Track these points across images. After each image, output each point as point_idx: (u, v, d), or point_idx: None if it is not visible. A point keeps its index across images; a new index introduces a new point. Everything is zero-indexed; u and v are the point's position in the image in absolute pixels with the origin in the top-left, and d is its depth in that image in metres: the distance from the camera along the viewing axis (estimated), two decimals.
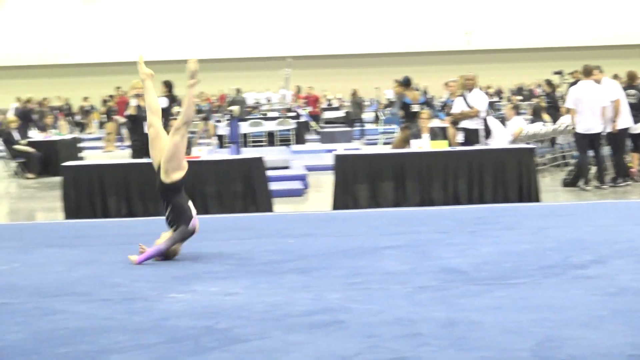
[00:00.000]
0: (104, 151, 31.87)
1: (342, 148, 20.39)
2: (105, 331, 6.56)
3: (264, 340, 6.20)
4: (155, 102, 10.20)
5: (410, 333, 6.32)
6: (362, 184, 14.65)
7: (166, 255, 9.40)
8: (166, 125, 15.83)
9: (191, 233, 9.50)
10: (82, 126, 43.89)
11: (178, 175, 9.53)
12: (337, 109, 44.14)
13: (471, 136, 16.15)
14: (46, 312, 7.22)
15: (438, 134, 16.75)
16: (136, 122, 15.79)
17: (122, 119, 32.68)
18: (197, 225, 9.55)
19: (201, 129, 29.52)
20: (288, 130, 31.15)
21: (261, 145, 29.16)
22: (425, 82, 39.95)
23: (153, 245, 9.38)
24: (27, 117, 25.29)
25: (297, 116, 33.58)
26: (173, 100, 18.60)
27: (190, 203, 9.67)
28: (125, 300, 7.61)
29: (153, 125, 10.04)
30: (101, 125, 38.86)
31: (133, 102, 15.77)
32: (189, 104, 9.95)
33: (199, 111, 31.46)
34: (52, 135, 25.96)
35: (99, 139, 37.24)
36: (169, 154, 9.54)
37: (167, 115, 16.43)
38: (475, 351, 5.84)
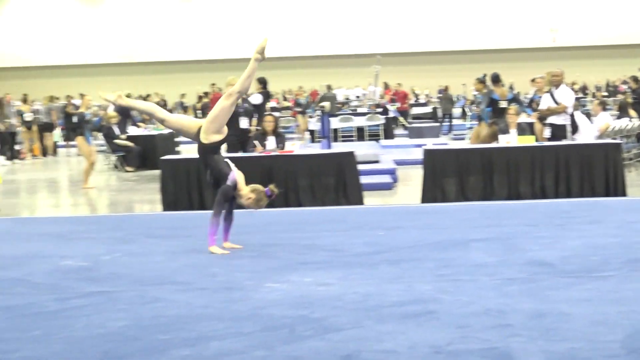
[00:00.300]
0: None
1: (430, 143, 20.26)
2: (204, 319, 6.62)
3: (358, 330, 6.19)
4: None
5: (500, 324, 6.28)
6: (451, 177, 14.57)
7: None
8: (260, 121, 15.93)
9: (233, 188, 9.60)
10: None
11: (217, 137, 9.70)
12: (424, 105, 43.96)
13: (558, 131, 15.98)
14: (147, 300, 7.30)
15: (525, 129, 16.57)
16: (231, 117, 15.80)
17: None
18: (237, 179, 9.66)
19: (303, 126, 29.52)
20: (377, 125, 31.09)
21: (351, 140, 29.14)
22: (511, 79, 39.62)
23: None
24: (125, 112, 25.52)
25: (386, 112, 33.51)
26: (267, 96, 18.67)
27: (228, 161, 9.86)
28: (223, 289, 7.66)
29: (166, 120, 10.15)
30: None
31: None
32: (249, 74, 10.14)
33: (297, 104, 31.50)
34: (150, 130, 26.25)
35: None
36: (214, 115, 9.76)
37: (261, 111, 16.51)
38: (564, 342, 5.78)
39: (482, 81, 18.89)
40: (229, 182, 9.58)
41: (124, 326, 6.50)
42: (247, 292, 7.49)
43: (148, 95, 37.50)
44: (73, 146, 30.60)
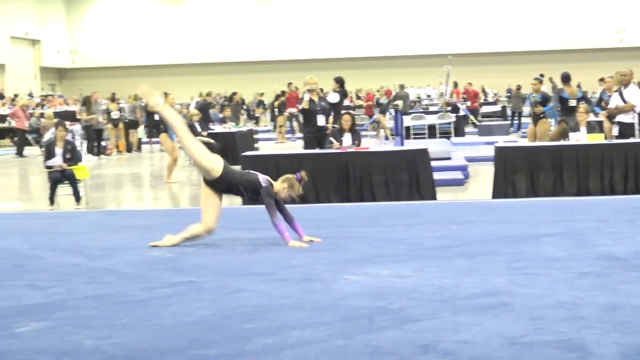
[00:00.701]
0: (277, 142, 32.29)
1: (500, 141, 20.15)
2: (285, 309, 6.62)
3: (434, 321, 6.15)
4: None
5: (573, 316, 6.20)
6: (521, 174, 14.45)
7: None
8: (336, 120, 15.93)
9: (270, 185, 9.58)
10: (256, 119, 44.52)
11: (215, 173, 9.65)
12: (494, 103, 43.73)
13: (626, 130, 15.78)
14: (231, 291, 7.33)
15: (595, 127, 16.37)
16: (309, 115, 15.87)
17: (294, 111, 33.21)
18: (267, 177, 9.66)
19: (384, 125, 29.45)
20: (448, 123, 30.96)
21: (422, 138, 29.06)
22: (579, 78, 39.25)
23: None
24: (206, 110, 25.74)
25: (457, 110, 33.38)
26: (344, 95, 18.68)
27: (248, 172, 10.12)
28: (303, 280, 7.66)
29: (184, 141, 10.28)
30: (272, 118, 39.33)
31: (306, 97, 15.86)
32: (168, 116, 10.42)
33: (378, 104, 31.44)
34: (230, 128, 26.41)
35: (268, 131, 37.82)
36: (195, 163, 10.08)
37: (337, 109, 16.50)
38: (638, 335, 5.69)
39: (540, 81, 18.79)
40: (263, 184, 9.56)
41: (209, 315, 6.53)
42: (326, 284, 7.49)
43: (234, 93, 37.67)
44: (155, 143, 30.90)
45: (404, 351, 5.43)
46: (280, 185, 9.62)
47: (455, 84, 39.70)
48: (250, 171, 10.06)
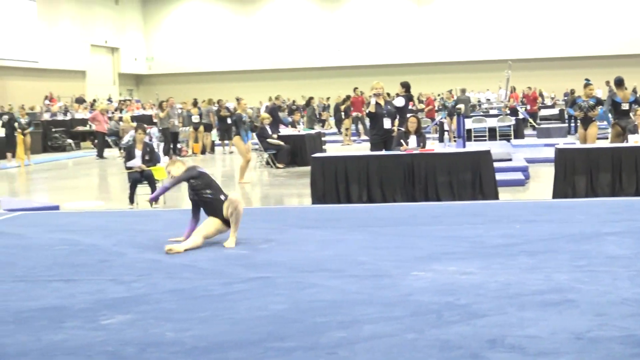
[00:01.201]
0: (343, 144, 32.29)
1: (560, 143, 19.94)
2: (356, 304, 6.60)
3: (501, 316, 6.10)
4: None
5: (637, 313, 6.11)
6: (581, 175, 14.29)
7: None
8: (402, 123, 15.88)
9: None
10: (322, 122, 44.61)
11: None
12: (551, 107, 43.36)
13: None
14: (304, 286, 7.32)
15: None
16: (375, 119, 15.85)
17: (359, 114, 33.25)
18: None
19: (450, 124, 29.28)
20: (508, 126, 30.74)
21: (483, 140, 28.85)
22: (635, 83, 38.86)
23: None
24: (276, 113, 25.81)
25: (515, 113, 33.15)
26: (409, 99, 18.64)
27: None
28: (373, 276, 7.63)
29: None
30: (338, 121, 39.34)
31: (373, 101, 15.84)
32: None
33: (444, 106, 31.32)
34: (299, 131, 26.48)
35: (334, 133, 37.86)
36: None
37: (403, 112, 16.45)
38: None
39: (615, 84, 18.60)
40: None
41: (284, 309, 6.53)
42: (395, 280, 7.45)
43: (311, 98, 37.97)
44: (227, 145, 31.08)
45: (473, 345, 5.38)
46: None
47: (513, 89, 39.45)
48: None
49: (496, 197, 14.26)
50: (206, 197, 9.97)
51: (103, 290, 7.46)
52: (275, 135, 23.85)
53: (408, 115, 16.32)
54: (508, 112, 32.71)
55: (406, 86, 17.43)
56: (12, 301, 7.16)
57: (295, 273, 7.92)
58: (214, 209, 9.88)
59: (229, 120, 30.00)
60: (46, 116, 39.15)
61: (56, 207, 15.30)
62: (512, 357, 5.13)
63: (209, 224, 9.86)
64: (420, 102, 41.76)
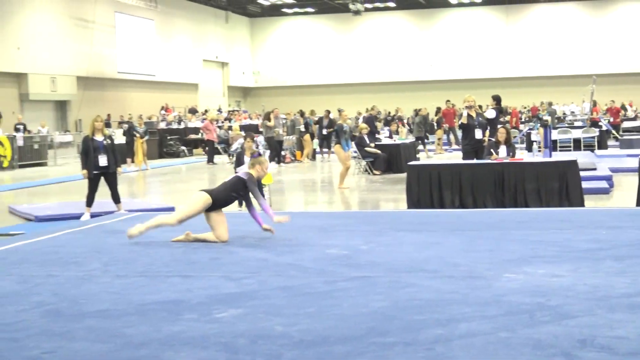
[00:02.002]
0: (435, 153, 32.15)
1: None
2: (452, 303, 6.54)
3: (590, 317, 5.97)
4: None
5: None
6: None
7: None
8: (492, 133, 15.73)
9: (250, 174, 10.49)
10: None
11: (208, 202, 10.22)
12: (634, 119, 42.56)
13: None
14: (402, 285, 7.28)
15: None
16: (467, 129, 15.76)
17: (447, 126, 33.09)
18: (245, 170, 10.68)
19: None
20: (592, 137, 30.24)
21: (568, 150, 28.41)
22: None
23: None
24: (372, 123, 25.82)
25: (599, 125, 32.62)
26: (500, 111, 18.46)
27: (229, 179, 10.64)
28: (467, 277, 7.55)
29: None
30: (431, 132, 39.14)
31: (465, 113, 15.76)
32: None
33: (538, 118, 30.90)
34: (395, 140, 26.44)
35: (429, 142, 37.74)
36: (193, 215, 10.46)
37: (494, 124, 16.31)
38: None
39: None
40: (244, 177, 10.47)
41: (384, 307, 6.50)
42: (489, 281, 7.36)
43: (419, 110, 37.95)
44: (325, 152, 31.20)
45: (564, 345, 5.29)
46: (254, 170, 10.47)
47: (594, 103, 38.87)
48: (227, 179, 10.69)
49: (582, 204, 14.02)
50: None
51: (216, 286, 7.53)
52: (372, 144, 23.84)
53: (498, 126, 16.18)
54: (592, 123, 32.19)
55: (497, 99, 17.27)
56: (135, 295, 7.27)
57: (393, 273, 7.89)
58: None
59: (324, 131, 30.19)
60: (162, 125, 39.85)
61: (172, 209, 15.47)
62: (602, 357, 5.02)
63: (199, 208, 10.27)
64: (507, 114, 41.37)
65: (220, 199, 10.28)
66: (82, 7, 41.65)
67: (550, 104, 30.41)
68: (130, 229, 10.37)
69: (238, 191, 10.45)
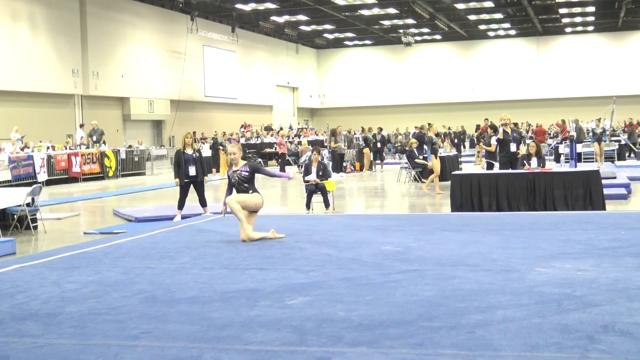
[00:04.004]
0: (475, 164, 31.85)
1: None
2: (490, 293, 6.46)
3: (612, 306, 5.86)
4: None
5: None
6: None
7: None
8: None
9: (248, 162, 10.62)
10: (458, 146, 44.17)
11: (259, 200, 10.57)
12: None
13: None
14: (447, 277, 7.22)
15: None
16: (503, 143, 15.62)
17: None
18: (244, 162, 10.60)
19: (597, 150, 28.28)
20: (612, 150, 29.74)
21: (591, 161, 27.97)
22: None
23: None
24: (421, 139, 25.65)
25: (619, 140, 32.10)
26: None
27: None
28: (503, 271, 7.47)
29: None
30: (471, 145, 38.83)
31: (501, 130, 15.63)
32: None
33: (593, 133, 30.40)
34: (440, 153, 26.26)
35: (466, 155, 37.45)
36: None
37: (525, 138, 16.11)
38: None
39: None
40: (247, 167, 10.52)
41: (431, 295, 6.45)
42: (522, 274, 7.27)
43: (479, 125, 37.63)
44: (378, 163, 31.11)
45: (589, 329, 5.19)
46: (239, 153, 10.49)
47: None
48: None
49: (604, 208, 13.79)
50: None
51: (287, 277, 7.54)
52: (421, 157, 23.70)
53: (529, 141, 16.00)
54: (613, 139, 31.62)
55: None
56: (218, 284, 7.31)
57: (440, 267, 7.83)
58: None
59: (379, 145, 30.13)
60: (242, 140, 40.06)
61: None
62: (622, 341, 4.92)
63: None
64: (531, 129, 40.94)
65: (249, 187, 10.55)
66: (175, 41, 42.14)
67: (576, 121, 29.89)
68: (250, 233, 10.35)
69: (251, 181, 10.55)
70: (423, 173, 23.34)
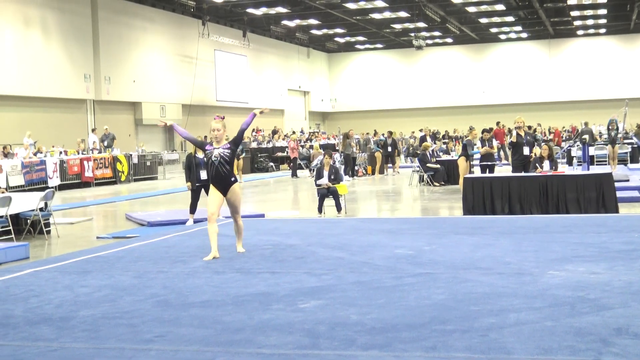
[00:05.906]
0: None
1: None
2: (503, 296, 6.46)
3: (625, 309, 5.85)
4: None
5: None
6: None
7: None
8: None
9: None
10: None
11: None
12: None
13: None
14: (460, 280, 7.22)
15: None
16: (516, 146, 15.61)
17: (498, 144, 32.70)
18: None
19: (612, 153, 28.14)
20: (625, 152, 29.60)
21: (604, 164, 27.84)
22: None
23: None
24: (433, 142, 25.70)
25: (632, 142, 31.91)
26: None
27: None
28: (516, 274, 7.46)
29: None
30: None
31: (514, 132, 15.61)
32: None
33: (608, 135, 30.26)
34: (452, 156, 26.26)
35: (479, 158, 37.37)
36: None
37: (538, 141, 16.09)
38: None
39: None
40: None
41: (444, 299, 6.45)
42: (535, 277, 7.26)
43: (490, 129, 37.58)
44: (390, 167, 31.07)
45: (602, 332, 5.18)
46: (223, 130, 9.48)
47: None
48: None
49: (617, 211, 13.73)
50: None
51: (300, 280, 7.56)
52: (433, 160, 23.70)
53: (542, 144, 15.96)
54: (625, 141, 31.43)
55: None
56: (231, 288, 7.33)
57: (452, 270, 7.83)
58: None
59: (389, 149, 30.10)
60: (254, 144, 40.09)
61: (262, 215, 15.62)
62: (636, 343, 4.90)
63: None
64: (551, 133, 40.79)
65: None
66: (187, 46, 42.23)
67: (586, 124, 29.77)
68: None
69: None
70: (435, 176, 23.32)
